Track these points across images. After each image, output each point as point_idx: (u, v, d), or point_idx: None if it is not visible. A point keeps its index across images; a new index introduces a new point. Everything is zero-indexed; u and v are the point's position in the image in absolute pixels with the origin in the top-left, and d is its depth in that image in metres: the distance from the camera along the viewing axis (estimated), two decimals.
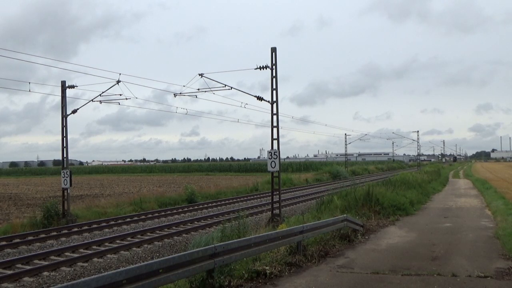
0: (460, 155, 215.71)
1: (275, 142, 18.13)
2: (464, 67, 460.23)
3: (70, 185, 20.57)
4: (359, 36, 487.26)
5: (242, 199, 30.60)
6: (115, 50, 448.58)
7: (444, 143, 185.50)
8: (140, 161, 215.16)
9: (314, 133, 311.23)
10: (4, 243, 15.09)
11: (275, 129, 18.13)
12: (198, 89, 19.99)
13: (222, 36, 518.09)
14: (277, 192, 18.69)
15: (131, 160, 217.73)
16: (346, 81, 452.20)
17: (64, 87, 20.89)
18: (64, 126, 20.85)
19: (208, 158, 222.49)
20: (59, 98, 21.11)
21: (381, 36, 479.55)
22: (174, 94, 21.47)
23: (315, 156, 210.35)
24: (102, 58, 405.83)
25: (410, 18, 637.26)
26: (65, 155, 20.94)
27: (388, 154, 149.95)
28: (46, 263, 12.21)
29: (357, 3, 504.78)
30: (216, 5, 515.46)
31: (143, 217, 21.50)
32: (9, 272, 11.25)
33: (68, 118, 20.89)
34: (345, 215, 12.79)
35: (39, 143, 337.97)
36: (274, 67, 17.91)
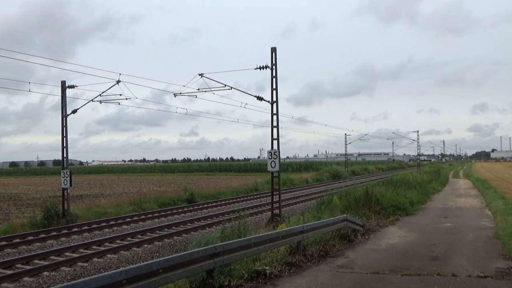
0: (460, 155, 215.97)
1: (275, 142, 18.14)
2: (458, 68, 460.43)
3: (70, 185, 20.57)
4: (353, 37, 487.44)
5: (242, 199, 30.59)
6: (113, 51, 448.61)
7: (444, 143, 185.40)
8: (140, 161, 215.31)
9: (314, 133, 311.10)
10: (4, 243, 15.09)
11: (275, 129, 18.13)
12: (198, 89, 20.01)
13: (216, 38, 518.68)
14: (277, 192, 18.69)
15: (131, 160, 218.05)
16: (342, 81, 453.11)
17: (64, 87, 20.88)
18: (64, 126, 20.84)
19: (208, 158, 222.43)
20: (59, 98, 21.15)
21: (374, 38, 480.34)
22: (174, 94, 21.44)
23: (315, 156, 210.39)
24: (100, 59, 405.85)
25: (400, 21, 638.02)
26: (65, 155, 20.93)
27: (388, 154, 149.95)
28: (46, 263, 12.21)
29: (347, 5, 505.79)
30: (210, 7, 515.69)
31: (143, 217, 21.50)
32: (9, 272, 11.25)
33: (68, 118, 20.91)
34: (345, 215, 12.78)
35: (39, 143, 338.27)
36: (274, 67, 17.92)
